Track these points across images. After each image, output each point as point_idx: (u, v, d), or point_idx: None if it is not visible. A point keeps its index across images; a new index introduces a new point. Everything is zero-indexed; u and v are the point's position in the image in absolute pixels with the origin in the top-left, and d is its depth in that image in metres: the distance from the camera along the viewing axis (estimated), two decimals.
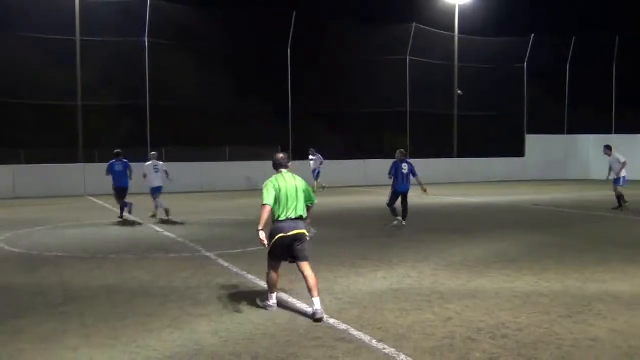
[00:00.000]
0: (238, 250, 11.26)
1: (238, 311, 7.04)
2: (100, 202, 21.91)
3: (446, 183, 32.22)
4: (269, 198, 6.82)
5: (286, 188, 6.90)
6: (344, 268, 9.51)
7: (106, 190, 25.19)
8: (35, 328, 6.45)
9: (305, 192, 7.08)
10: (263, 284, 8.35)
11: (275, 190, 6.87)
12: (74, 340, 6.04)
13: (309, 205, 7.13)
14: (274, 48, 31.69)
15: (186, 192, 25.55)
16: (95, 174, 25.25)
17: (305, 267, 6.95)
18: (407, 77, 35.08)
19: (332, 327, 6.38)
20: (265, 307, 7.11)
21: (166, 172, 16.35)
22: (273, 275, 7.11)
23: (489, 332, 6.16)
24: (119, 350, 5.74)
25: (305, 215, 7.05)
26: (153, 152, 17.02)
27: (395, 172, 14.32)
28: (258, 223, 6.83)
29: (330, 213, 17.77)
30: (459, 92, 36.03)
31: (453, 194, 25.22)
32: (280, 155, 7.28)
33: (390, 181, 14.58)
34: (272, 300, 7.17)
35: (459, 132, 36.52)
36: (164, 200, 16.48)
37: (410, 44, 34.75)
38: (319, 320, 6.56)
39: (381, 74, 34.18)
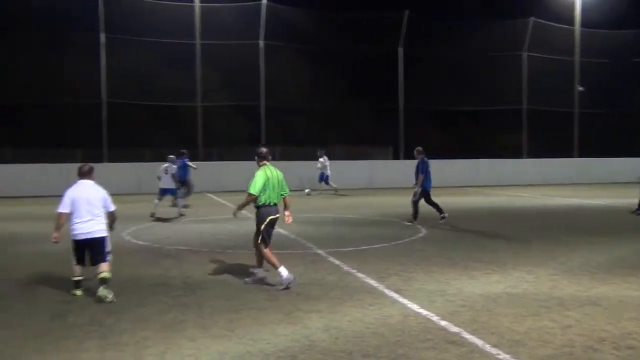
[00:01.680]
0: (349, 249, 11.32)
1: (348, 309, 7.06)
2: (217, 199, 22.81)
3: (564, 184, 30.74)
4: (258, 188, 7.98)
5: (272, 178, 8.08)
6: (456, 270, 9.30)
7: (222, 187, 26.44)
8: (158, 317, 6.79)
9: (283, 183, 8.28)
10: (374, 283, 8.34)
11: (265, 180, 7.98)
12: (192, 330, 6.30)
13: (283, 195, 8.30)
14: (385, 48, 31.58)
15: (296, 191, 25.98)
16: (212, 172, 26.39)
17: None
18: (523, 74, 33.81)
19: (444, 329, 6.25)
20: (287, 286, 7.87)
21: (173, 175, 16.59)
22: (270, 251, 8.17)
23: (613, 342, 5.80)
24: (234, 342, 5.93)
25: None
26: (171, 156, 17.15)
27: (425, 169, 14.53)
28: (240, 206, 8.31)
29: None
30: (580, 88, 34.22)
31: (570, 195, 24.00)
32: (265, 150, 8.40)
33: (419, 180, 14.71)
34: (285, 273, 7.95)
35: (579, 130, 34.70)
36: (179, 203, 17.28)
37: (527, 39, 33.45)
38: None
39: (496, 71, 33.12)
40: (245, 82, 29.67)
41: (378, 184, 29.68)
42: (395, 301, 7.39)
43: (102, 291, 7.44)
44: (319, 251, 11.07)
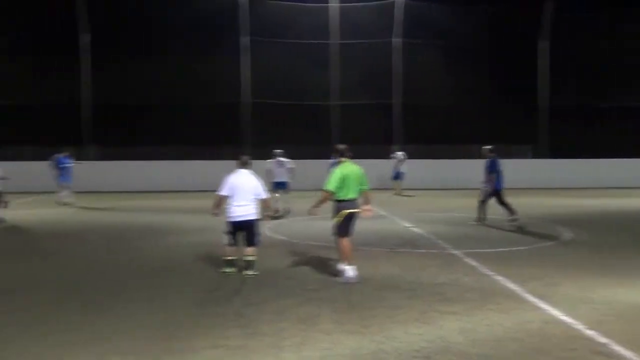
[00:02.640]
0: (486, 250, 11.00)
1: (486, 312, 6.86)
2: None
3: None
4: (332, 185, 8.36)
5: (350, 174, 8.42)
6: (602, 277, 8.73)
7: None
8: (294, 310, 6.99)
9: (362, 179, 8.57)
10: (512, 286, 8.04)
11: (342, 177, 8.33)
12: (327, 324, 6.43)
13: (363, 189, 8.62)
14: (526, 41, 30.25)
15: (425, 189, 25.65)
16: None
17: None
18: None
19: (589, 339, 5.90)
20: (349, 281, 8.16)
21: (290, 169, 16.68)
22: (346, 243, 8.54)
23: None
24: (368, 339, 5.97)
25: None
26: (278, 150, 17.08)
27: (497, 169, 14.20)
28: (316, 204, 8.55)
29: (585, 215, 16.47)
30: None
31: None
32: (343, 147, 8.75)
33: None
34: (350, 272, 8.29)
35: None
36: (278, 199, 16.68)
37: None
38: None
39: None
40: (381, 81, 29.71)
41: (519, 184, 28.46)
42: (536, 307, 7.08)
43: (247, 272, 8.74)
44: (454, 251, 10.85)
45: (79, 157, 27.50)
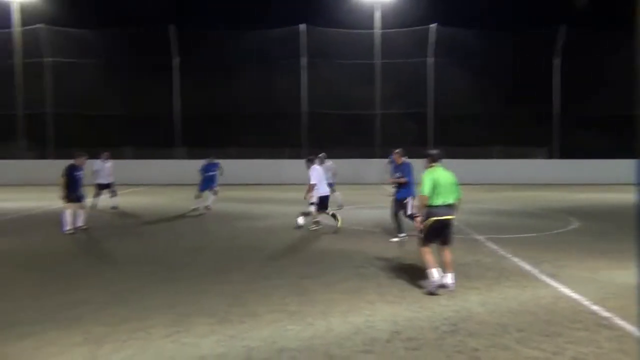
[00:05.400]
0: (505, 236, 10.73)
1: (503, 288, 6.71)
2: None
3: None
4: (426, 189, 6.65)
5: (441, 180, 6.71)
6: (608, 260, 8.40)
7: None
8: (342, 283, 6.99)
9: (454, 186, 6.84)
10: (527, 267, 7.84)
11: (433, 181, 6.66)
12: (370, 295, 6.40)
13: (456, 197, 6.84)
14: (541, 59, 29.35)
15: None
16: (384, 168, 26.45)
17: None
18: None
19: (594, 313, 5.69)
20: (432, 291, 6.41)
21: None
22: (428, 251, 6.77)
23: None
24: (404, 307, 5.92)
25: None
26: (321, 155, 16.55)
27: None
28: (418, 209, 7.05)
29: (591, 207, 15.88)
30: None
31: None
32: (435, 152, 7.05)
33: None
34: (435, 276, 6.50)
35: None
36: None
37: None
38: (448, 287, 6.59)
39: None
40: (416, 93, 29.44)
41: (535, 180, 27.74)
42: (547, 285, 6.87)
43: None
44: (478, 237, 10.64)
45: (171, 156, 28.33)
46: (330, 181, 15.21)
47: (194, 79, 28.85)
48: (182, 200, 18.48)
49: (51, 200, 16.14)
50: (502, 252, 9.05)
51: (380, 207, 16.28)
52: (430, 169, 6.87)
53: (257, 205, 16.62)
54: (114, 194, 15.60)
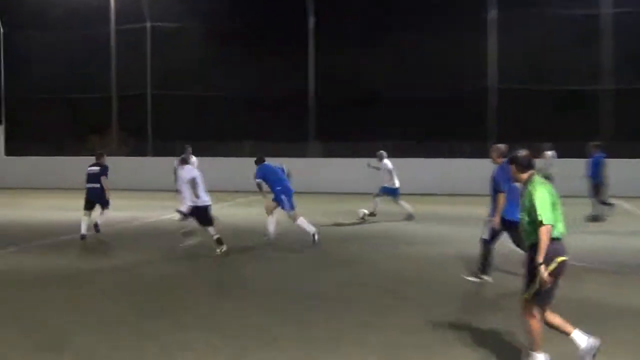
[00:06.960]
0: None
1: None
2: (627, 205, 19.99)
3: None
4: (550, 214, 5.42)
5: (554, 196, 5.56)
6: None
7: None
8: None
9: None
10: None
11: (552, 201, 5.49)
12: None
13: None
14: None
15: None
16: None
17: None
18: None
19: None
20: None
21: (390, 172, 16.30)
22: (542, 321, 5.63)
23: None
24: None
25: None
26: (381, 151, 16.78)
27: None
28: (540, 253, 5.34)
29: None
30: None
31: None
32: (524, 153, 5.75)
33: None
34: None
35: None
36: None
37: None
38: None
39: None
40: None
41: None
42: None
43: None
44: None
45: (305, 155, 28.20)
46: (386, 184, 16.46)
47: (335, 48, 28.64)
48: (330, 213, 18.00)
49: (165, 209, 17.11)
50: None
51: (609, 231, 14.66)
52: (535, 181, 5.61)
53: (425, 225, 15.90)
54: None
